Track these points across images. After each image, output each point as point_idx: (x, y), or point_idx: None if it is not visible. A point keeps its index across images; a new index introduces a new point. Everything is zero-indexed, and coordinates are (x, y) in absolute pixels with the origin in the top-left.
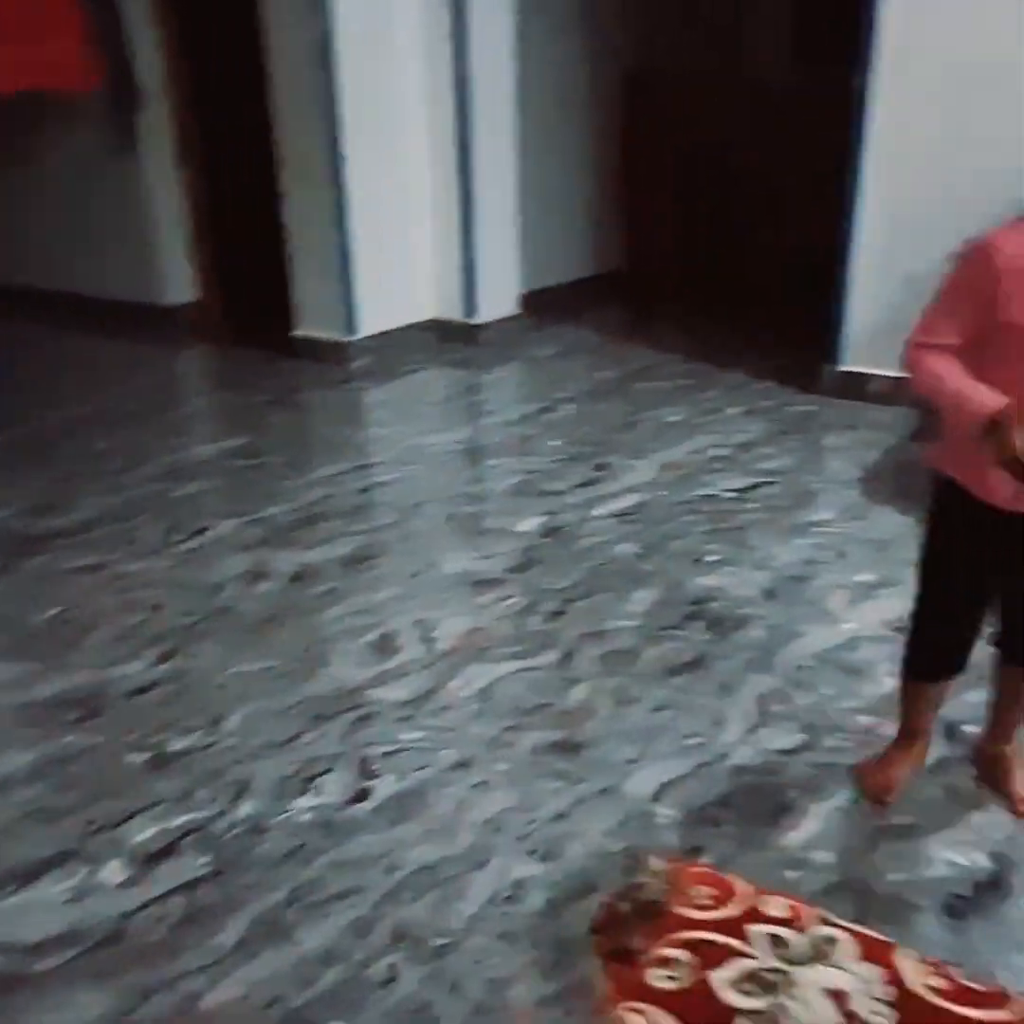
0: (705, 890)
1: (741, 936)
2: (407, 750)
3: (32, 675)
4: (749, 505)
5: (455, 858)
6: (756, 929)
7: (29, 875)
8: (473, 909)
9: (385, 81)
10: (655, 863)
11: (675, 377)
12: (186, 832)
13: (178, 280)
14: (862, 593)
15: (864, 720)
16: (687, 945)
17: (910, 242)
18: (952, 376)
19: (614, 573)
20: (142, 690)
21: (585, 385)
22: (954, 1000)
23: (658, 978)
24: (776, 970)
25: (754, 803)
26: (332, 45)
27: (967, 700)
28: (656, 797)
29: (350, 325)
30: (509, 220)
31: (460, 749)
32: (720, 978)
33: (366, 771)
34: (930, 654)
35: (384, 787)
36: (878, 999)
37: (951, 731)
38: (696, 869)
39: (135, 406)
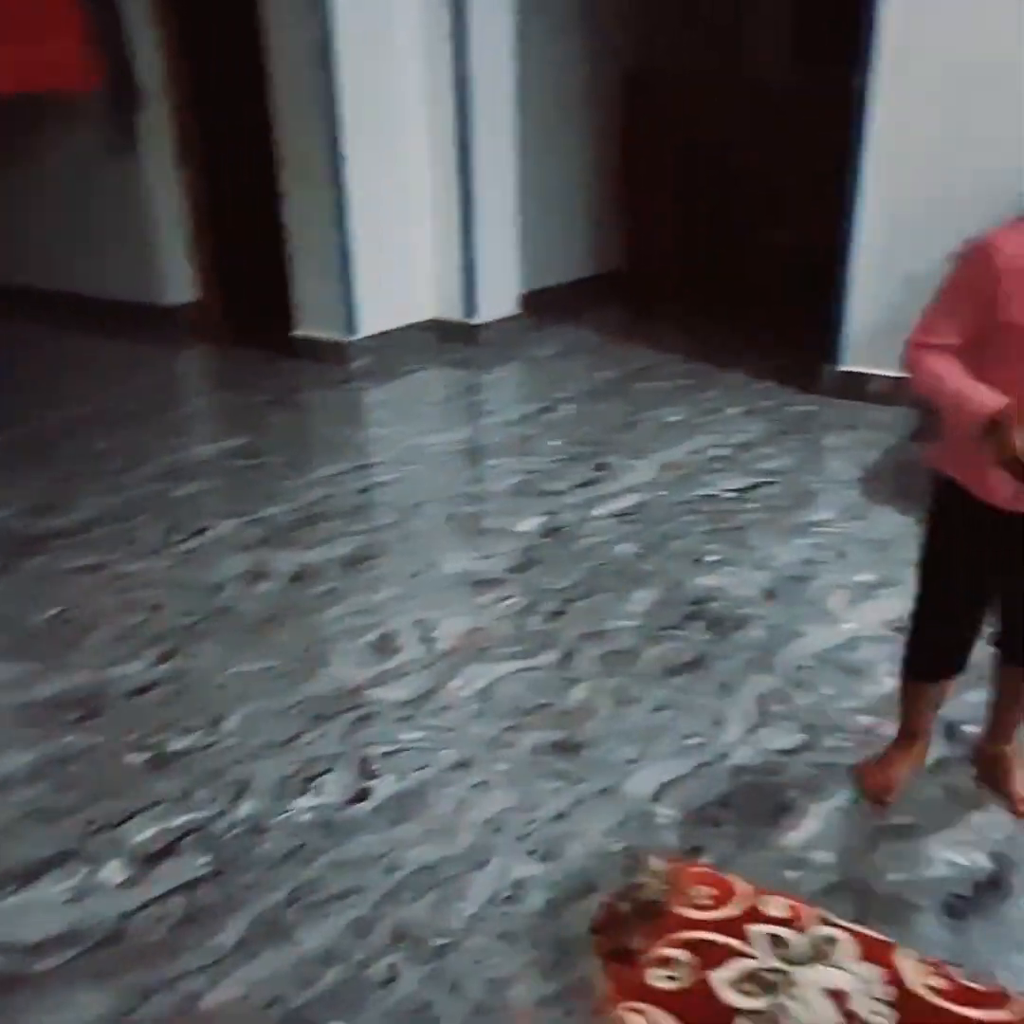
0: (705, 890)
1: (741, 936)
2: (407, 750)
3: (32, 675)
4: (749, 505)
5: (455, 858)
6: (756, 929)
7: (29, 875)
8: (473, 909)
9: (385, 81)
10: (655, 863)
11: (675, 377)
12: (186, 832)
13: (178, 280)
14: (862, 593)
15: (864, 720)
16: (687, 945)
17: (910, 242)
18: (952, 376)
19: (614, 573)
20: (142, 690)
21: (585, 385)
22: (954, 1000)
23: (658, 978)
24: (776, 970)
25: (754, 803)
26: (332, 45)
27: (967, 700)
28: (656, 797)
29: (350, 325)
30: (509, 220)
31: (460, 749)
32: (720, 978)
33: (366, 771)
34: (930, 654)
35: (384, 787)
36: (878, 999)
37: (951, 731)
38: (696, 869)
39: (135, 406)
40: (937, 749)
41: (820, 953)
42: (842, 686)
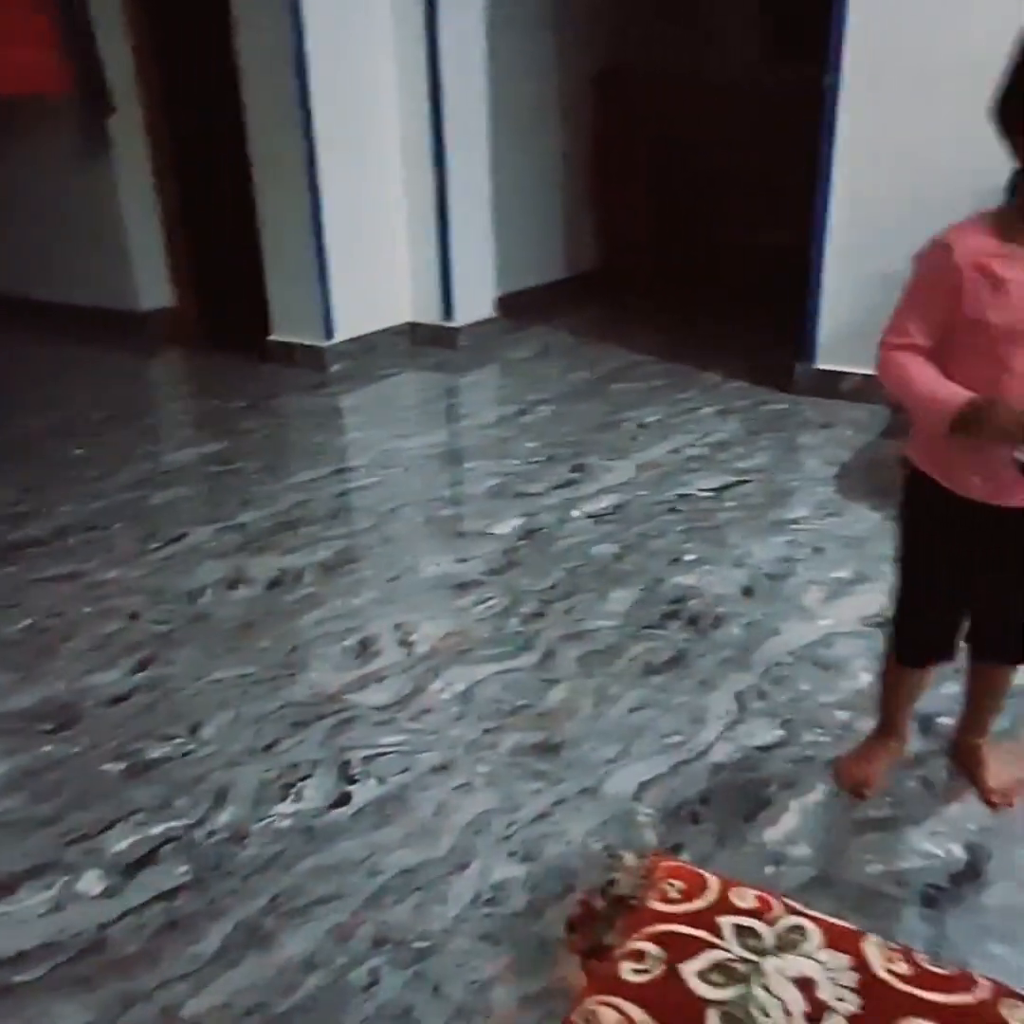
0: (677, 884)
1: (711, 928)
2: (387, 754)
3: (7, 685)
4: (726, 504)
5: (436, 861)
6: (726, 921)
7: (6, 887)
8: (455, 911)
9: (357, 83)
10: (629, 859)
11: (651, 377)
12: (165, 840)
13: (153, 286)
14: (838, 589)
15: (841, 715)
16: (658, 938)
17: (882, 241)
18: (923, 375)
19: (593, 574)
20: (119, 699)
21: (562, 387)
22: (919, 985)
23: (630, 972)
24: (745, 960)
25: (733, 799)
26: (303, 47)
27: (943, 693)
28: (636, 796)
29: (326, 329)
30: (484, 222)
31: (441, 752)
32: (690, 970)
33: (346, 775)
34: (914, 642)
35: (365, 791)
36: (844, 986)
37: (928, 724)
38: (668, 863)
39: (110, 413)
40: (914, 742)
41: (789, 943)
42: (819, 682)
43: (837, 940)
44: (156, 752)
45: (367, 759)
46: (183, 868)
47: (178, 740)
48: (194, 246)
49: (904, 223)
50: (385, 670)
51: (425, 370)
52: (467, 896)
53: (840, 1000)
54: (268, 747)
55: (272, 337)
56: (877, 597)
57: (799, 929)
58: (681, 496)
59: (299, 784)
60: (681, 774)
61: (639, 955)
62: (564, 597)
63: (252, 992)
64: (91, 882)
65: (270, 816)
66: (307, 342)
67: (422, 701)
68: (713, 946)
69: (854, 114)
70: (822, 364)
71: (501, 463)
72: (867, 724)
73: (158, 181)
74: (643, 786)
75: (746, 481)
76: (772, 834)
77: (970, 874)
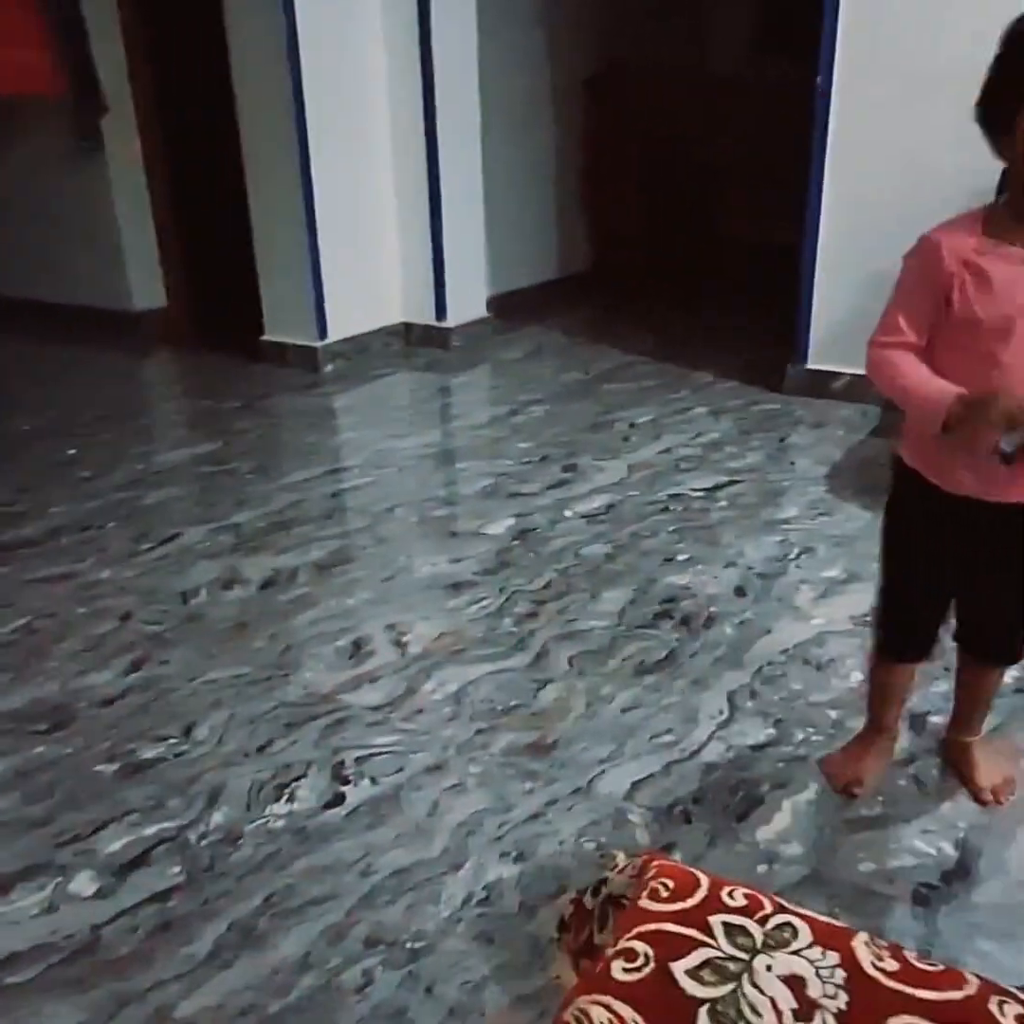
0: (668, 883)
1: (702, 927)
2: (381, 754)
3: (0, 686)
4: (718, 504)
5: (430, 861)
6: (716, 919)
7: None
8: (448, 912)
9: (350, 84)
10: (621, 858)
11: (643, 378)
12: (159, 841)
13: (146, 286)
14: (829, 588)
15: (833, 714)
16: (649, 937)
17: (873, 240)
18: (914, 372)
19: (585, 574)
20: (112, 699)
21: (554, 387)
22: (908, 982)
23: (620, 970)
24: (736, 959)
25: (725, 799)
26: (296, 47)
27: (934, 691)
28: (629, 795)
29: (319, 330)
30: (476, 222)
31: (434, 752)
32: (681, 968)
33: (340, 776)
34: (896, 636)
35: (358, 792)
36: (833, 983)
37: (919, 723)
38: (660, 862)
39: (103, 413)
40: (904, 741)
41: (779, 941)
42: (811, 681)
43: (827, 938)
44: (149, 753)
45: (360, 759)
46: (176, 869)
47: (171, 741)
48: (187, 246)
49: (895, 223)
50: (378, 670)
51: (418, 370)
52: (460, 896)
53: (829, 997)
54: (262, 748)
55: (265, 337)
56: (868, 596)
57: (789, 927)
58: (673, 496)
59: (293, 784)
60: (673, 773)
61: (630, 954)
62: (557, 597)
63: (245, 993)
64: (84, 883)
65: (264, 817)
66: (300, 342)
67: (415, 701)
68: (704, 945)
69: (845, 114)
70: (814, 364)
71: (494, 463)
72: (858, 723)
73: (151, 181)
74: (635, 786)
75: (738, 481)
76: (764, 833)
77: (961, 872)
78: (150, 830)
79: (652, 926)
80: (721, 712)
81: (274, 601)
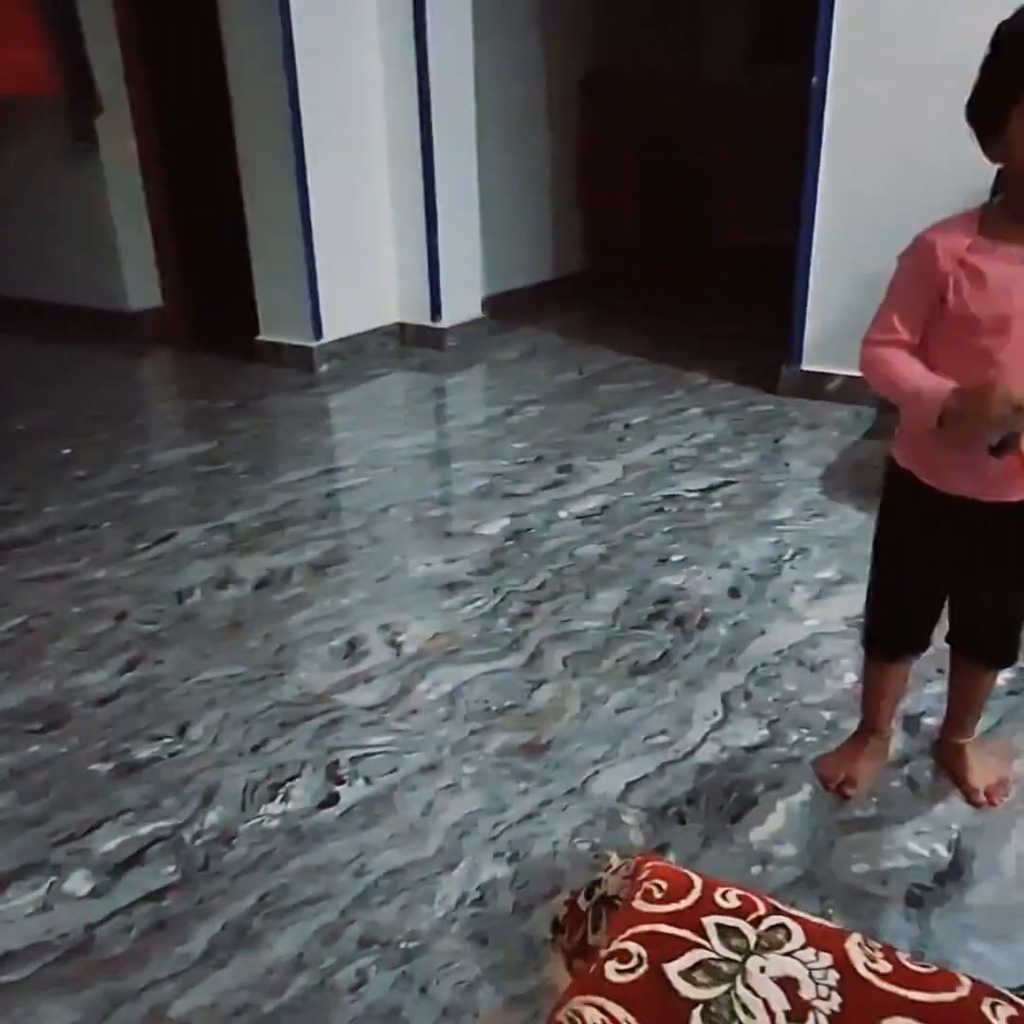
0: (662, 884)
1: (695, 928)
2: (375, 754)
3: None
4: (713, 505)
5: (424, 861)
6: (710, 920)
7: None
8: (442, 912)
9: (346, 85)
10: (615, 859)
11: (638, 379)
12: (153, 841)
13: (141, 286)
14: (824, 590)
15: (827, 715)
16: (643, 938)
17: (867, 242)
18: (908, 369)
19: (580, 574)
20: (107, 699)
21: (549, 387)
22: (901, 983)
23: (614, 971)
24: (729, 960)
25: (719, 800)
26: (292, 49)
27: (928, 693)
28: (623, 796)
29: (315, 330)
30: (471, 223)
31: (428, 752)
32: (674, 969)
33: (334, 776)
34: (885, 635)
35: (352, 792)
36: (826, 984)
37: (912, 724)
38: (654, 864)
39: (99, 413)
40: (898, 742)
41: (772, 942)
42: (805, 682)
43: (820, 939)
44: (144, 752)
45: (355, 759)
46: (171, 868)
47: (166, 740)
48: (183, 246)
49: (891, 225)
50: (373, 670)
51: (413, 370)
52: (454, 896)
53: (822, 999)
54: (256, 747)
55: (260, 337)
56: (862, 597)
57: (782, 928)
58: (668, 497)
59: (287, 784)
60: (668, 774)
61: (624, 955)
62: (551, 598)
63: (240, 992)
64: (79, 882)
65: (258, 816)
66: (295, 342)
67: (410, 701)
68: (697, 946)
69: (840, 115)
70: (808, 365)
71: (488, 464)
72: (852, 724)
73: (147, 181)
74: (630, 786)
75: (732, 482)
76: (758, 834)
77: (954, 873)
78: (145, 829)
79: (645, 927)
80: (715, 713)
81: (269, 601)
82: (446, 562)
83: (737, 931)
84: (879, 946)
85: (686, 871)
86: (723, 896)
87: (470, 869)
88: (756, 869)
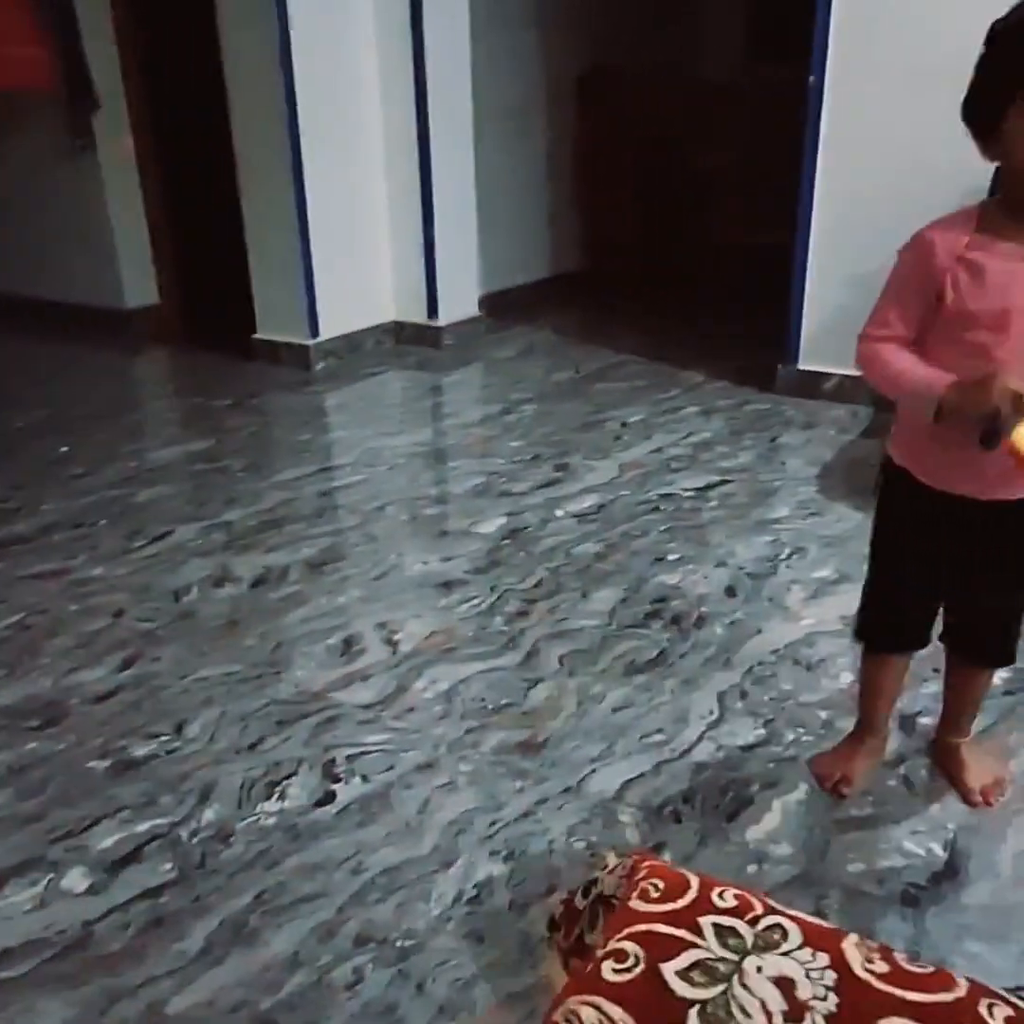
0: (659, 883)
1: (692, 928)
2: (372, 752)
3: None
4: (709, 504)
5: (420, 859)
6: (707, 920)
7: None
8: (438, 910)
9: (342, 83)
10: (611, 858)
11: (634, 377)
12: (150, 838)
13: (138, 283)
14: (820, 589)
15: (823, 714)
16: (640, 938)
17: (864, 241)
18: (905, 363)
19: (576, 573)
20: (105, 696)
21: (545, 386)
22: (898, 984)
23: (610, 971)
24: (726, 960)
25: (715, 799)
26: (289, 47)
27: (924, 692)
28: (619, 795)
29: (311, 328)
30: (468, 221)
31: (424, 750)
32: (670, 969)
33: (331, 774)
34: (882, 631)
35: (349, 790)
36: (823, 985)
37: (908, 723)
38: (650, 863)
39: (96, 410)
40: (894, 741)
41: (769, 942)
42: (801, 681)
43: (817, 939)
44: (141, 750)
45: (351, 758)
46: (168, 865)
47: (163, 738)
48: (180, 244)
49: (887, 224)
50: (369, 668)
51: (409, 369)
52: (450, 894)
53: (819, 999)
54: (253, 745)
55: (257, 335)
56: (858, 597)
57: (779, 928)
58: (664, 496)
59: (284, 782)
60: (664, 773)
61: (620, 955)
62: (547, 596)
63: (237, 989)
64: (76, 879)
65: (255, 814)
66: (292, 340)
67: (406, 700)
68: (694, 946)
69: (837, 114)
70: (805, 364)
71: (485, 462)
72: (848, 723)
73: (144, 179)
74: (626, 785)
75: (729, 481)
76: (754, 833)
77: (950, 873)
78: (142, 827)
79: (642, 927)
80: (711, 712)
81: (265, 599)
82: (442, 560)
83: (734, 931)
84: (876, 946)
85: (683, 871)
86: (720, 896)
87: (466, 867)
88: (752, 868)
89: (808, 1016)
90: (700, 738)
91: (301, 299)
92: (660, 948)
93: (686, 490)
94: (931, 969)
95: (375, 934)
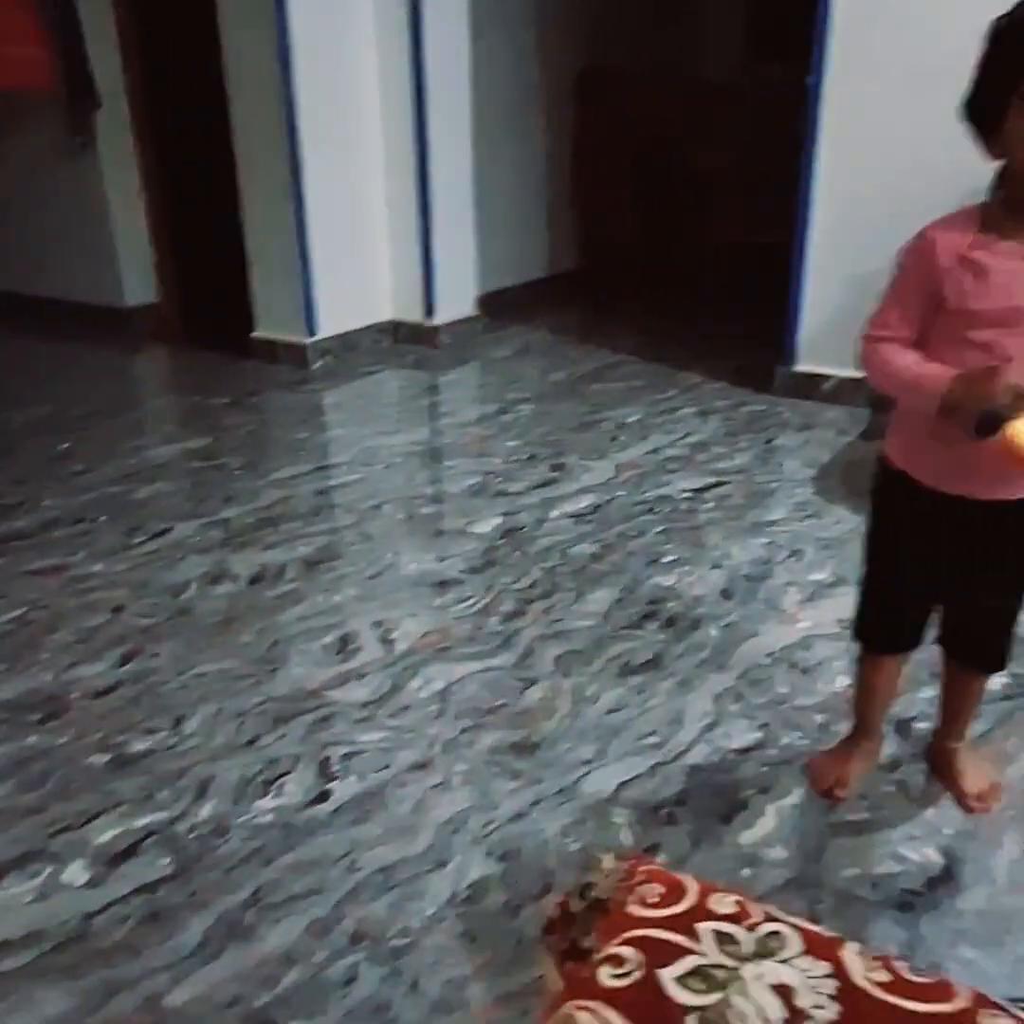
0: (656, 888)
1: (690, 933)
2: (367, 751)
3: None
4: (705, 505)
5: (414, 858)
6: (705, 926)
7: None
8: (432, 909)
9: (341, 82)
10: (607, 861)
11: (631, 378)
12: (148, 833)
13: (137, 282)
14: (816, 591)
15: (818, 718)
16: (637, 943)
17: (864, 242)
18: (907, 360)
19: (571, 573)
20: (104, 691)
21: (542, 386)
22: (898, 993)
23: (608, 976)
24: (724, 966)
25: (710, 801)
26: (289, 47)
27: (920, 697)
28: (613, 796)
29: (309, 327)
30: (466, 221)
31: (419, 750)
32: (668, 975)
33: (326, 772)
34: (877, 631)
35: (344, 788)
36: (823, 993)
37: (904, 728)
38: (647, 867)
39: (95, 408)
40: (890, 746)
41: (768, 949)
42: (797, 684)
43: (816, 947)
44: (140, 745)
45: (346, 756)
46: (165, 860)
47: (161, 733)
48: (179, 243)
49: (887, 225)
50: (365, 667)
51: (406, 368)
52: (444, 894)
53: (819, 1008)
54: (249, 742)
55: (255, 334)
56: (855, 600)
57: (778, 936)
58: (660, 497)
59: (280, 780)
60: (658, 775)
61: (618, 960)
62: (543, 596)
63: (233, 984)
64: (76, 872)
65: (251, 811)
66: (290, 339)
67: (401, 698)
68: (692, 952)
69: (837, 114)
70: (802, 366)
71: (481, 462)
72: (844, 727)
73: (144, 178)
74: (620, 786)
75: (725, 482)
76: (748, 836)
77: (945, 878)
78: (140, 821)
79: (640, 932)
80: (706, 714)
81: (262, 597)
82: (438, 560)
83: (732, 937)
84: (877, 955)
85: (680, 875)
86: (718, 901)
87: (460, 866)
88: (745, 871)
89: None
90: (695, 740)
91: (299, 298)
92: (658, 954)
93: (682, 491)
94: (932, 979)
95: (369, 932)
